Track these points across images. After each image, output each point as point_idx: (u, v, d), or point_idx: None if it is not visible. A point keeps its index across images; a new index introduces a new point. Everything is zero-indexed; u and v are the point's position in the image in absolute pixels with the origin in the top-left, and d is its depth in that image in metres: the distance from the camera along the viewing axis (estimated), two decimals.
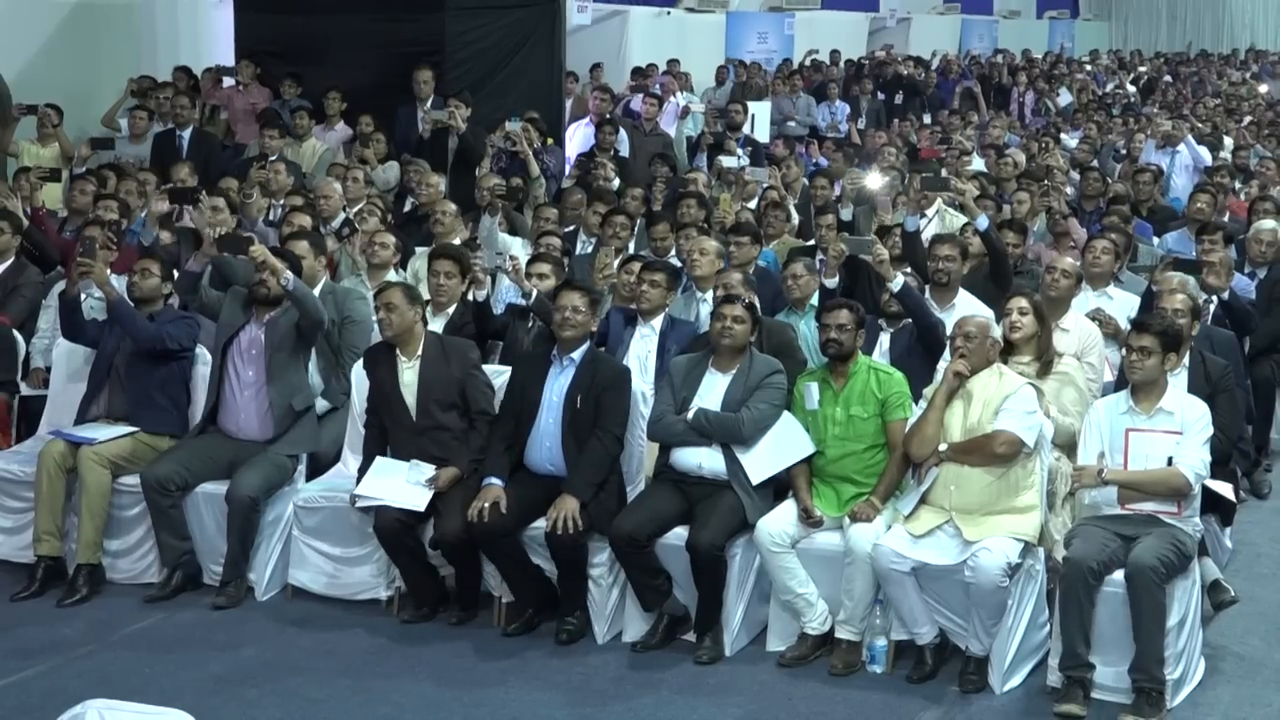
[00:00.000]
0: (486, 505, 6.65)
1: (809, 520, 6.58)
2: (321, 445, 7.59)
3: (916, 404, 6.67)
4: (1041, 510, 6.40)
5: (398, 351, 7.16)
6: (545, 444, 6.90)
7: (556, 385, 6.90)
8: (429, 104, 12.58)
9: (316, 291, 8.00)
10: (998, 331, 6.74)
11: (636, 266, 8.15)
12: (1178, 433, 6.24)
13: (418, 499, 6.85)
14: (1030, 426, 6.37)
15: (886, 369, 6.86)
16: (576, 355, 6.93)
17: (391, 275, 8.79)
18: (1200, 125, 17.46)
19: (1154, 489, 6.22)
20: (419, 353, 7.14)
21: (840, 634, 6.51)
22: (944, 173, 10.77)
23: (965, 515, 6.30)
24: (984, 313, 7.85)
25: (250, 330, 7.45)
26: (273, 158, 11.52)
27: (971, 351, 6.51)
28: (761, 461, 6.71)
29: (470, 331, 7.93)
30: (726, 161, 12.25)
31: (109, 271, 7.61)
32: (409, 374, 7.12)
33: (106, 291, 7.48)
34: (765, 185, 11.49)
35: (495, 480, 6.78)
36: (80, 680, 6.23)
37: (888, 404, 6.67)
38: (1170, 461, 6.19)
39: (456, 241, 9.20)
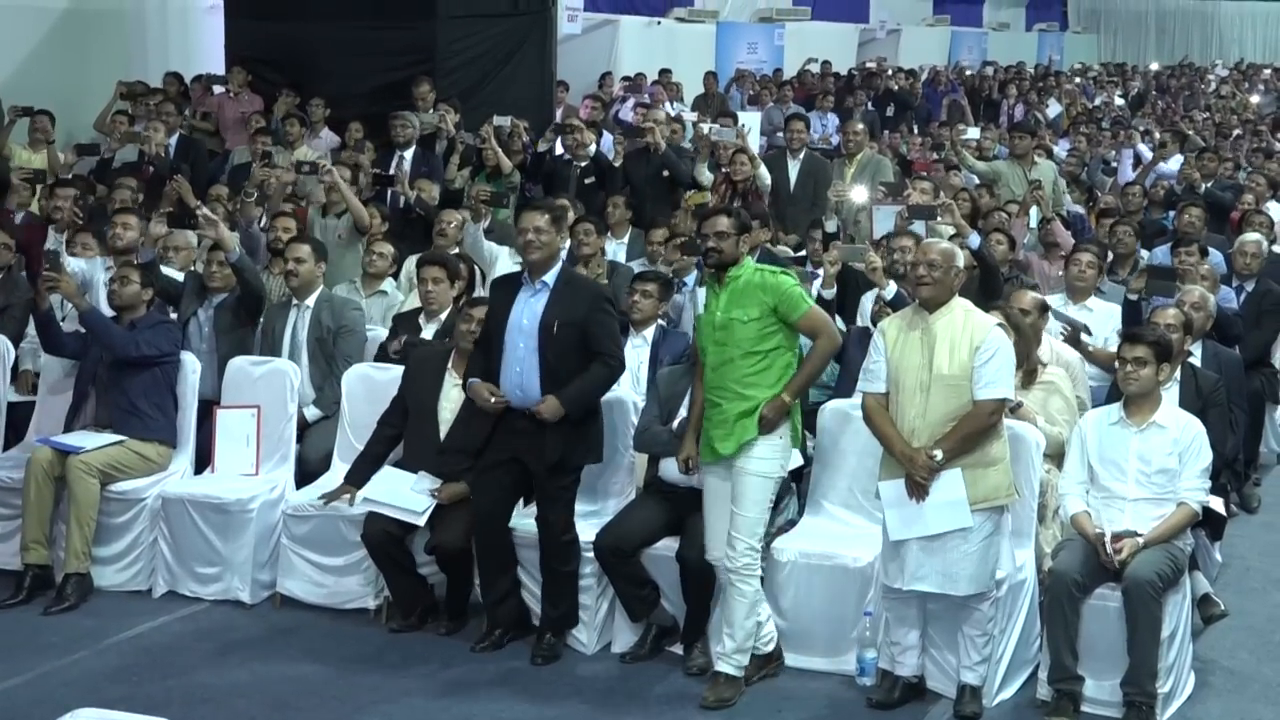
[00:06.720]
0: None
1: (688, 471, 6.44)
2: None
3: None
4: (1007, 466, 6.12)
5: (450, 368, 7.12)
6: (515, 369, 6.55)
7: (528, 308, 6.55)
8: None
9: (313, 299, 8.00)
10: (962, 260, 6.22)
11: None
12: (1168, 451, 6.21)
13: (419, 507, 6.83)
14: (1006, 377, 5.99)
15: (773, 271, 6.29)
16: (549, 278, 6.59)
17: (388, 285, 8.77)
18: (1194, 137, 17.42)
19: (1174, 534, 6.17)
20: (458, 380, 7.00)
21: (721, 667, 6.29)
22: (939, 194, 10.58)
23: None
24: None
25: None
26: (267, 162, 11.33)
27: (936, 281, 5.96)
28: None
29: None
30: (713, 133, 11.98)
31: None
32: (455, 392, 7.03)
33: (76, 304, 7.51)
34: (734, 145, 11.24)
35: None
36: (67, 689, 6.21)
37: (781, 308, 6.16)
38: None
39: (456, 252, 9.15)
